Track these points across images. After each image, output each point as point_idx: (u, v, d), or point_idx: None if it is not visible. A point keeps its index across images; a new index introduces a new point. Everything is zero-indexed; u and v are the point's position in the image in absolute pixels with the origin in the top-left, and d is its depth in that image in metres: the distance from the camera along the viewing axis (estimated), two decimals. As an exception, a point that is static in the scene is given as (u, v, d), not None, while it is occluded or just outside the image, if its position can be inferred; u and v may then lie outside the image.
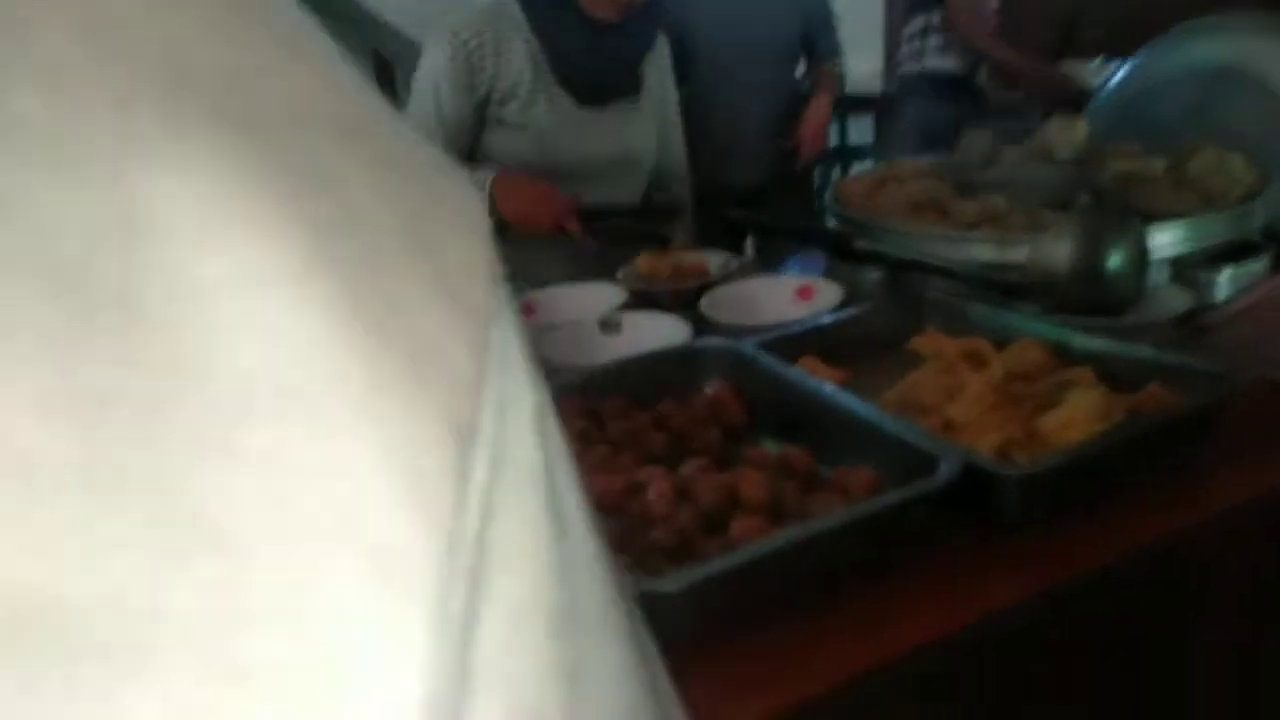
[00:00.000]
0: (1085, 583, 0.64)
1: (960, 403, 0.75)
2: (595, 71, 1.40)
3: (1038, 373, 0.82)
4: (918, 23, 2.82)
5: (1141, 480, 0.71)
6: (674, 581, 0.57)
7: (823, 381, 0.85)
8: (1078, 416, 0.69)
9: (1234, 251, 1.06)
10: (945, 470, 0.65)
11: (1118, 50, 1.56)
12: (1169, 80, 1.39)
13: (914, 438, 0.69)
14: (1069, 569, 0.64)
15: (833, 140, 4.93)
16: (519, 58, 1.37)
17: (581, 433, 0.83)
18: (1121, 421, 0.69)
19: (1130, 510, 0.68)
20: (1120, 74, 1.48)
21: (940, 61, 2.79)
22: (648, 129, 1.51)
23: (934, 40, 2.79)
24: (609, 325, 1.02)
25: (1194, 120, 1.30)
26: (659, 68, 1.53)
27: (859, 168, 5.10)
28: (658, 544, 0.67)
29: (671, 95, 1.60)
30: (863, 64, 5.26)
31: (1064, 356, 0.85)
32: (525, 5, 1.38)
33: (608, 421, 0.85)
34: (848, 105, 4.75)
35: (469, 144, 1.43)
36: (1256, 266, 1.05)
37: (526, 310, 1.17)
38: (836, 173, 4.99)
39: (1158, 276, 0.99)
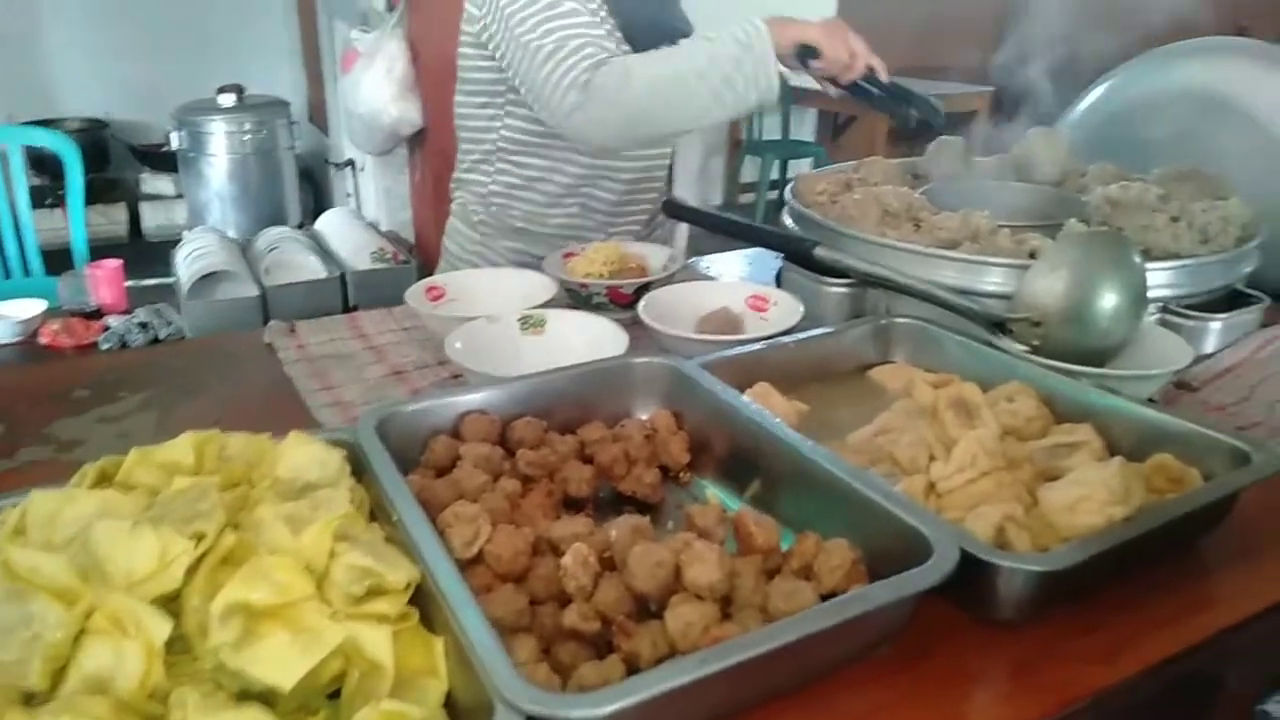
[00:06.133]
0: (1089, 702, 0.52)
1: (949, 465, 0.62)
2: None
3: (1031, 429, 0.70)
4: None
5: (1149, 576, 0.60)
6: (598, 703, 0.42)
7: (778, 419, 0.71)
8: (1094, 496, 0.56)
9: (1225, 300, 0.96)
10: (939, 559, 0.52)
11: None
12: (1150, 102, 1.30)
13: (900, 509, 0.56)
14: (1072, 689, 0.52)
15: (775, 133, 4.84)
16: None
17: (484, 460, 0.67)
18: (1145, 508, 0.57)
19: (1137, 616, 0.57)
20: (1097, 91, 1.38)
21: None
22: None
23: None
24: (531, 324, 0.86)
25: (1177, 146, 1.21)
26: None
27: (795, 165, 5.02)
28: (572, 629, 0.52)
29: None
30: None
31: (1056, 409, 0.74)
32: None
33: (518, 449, 0.70)
34: (790, 98, 4.65)
35: None
36: (1248, 318, 0.95)
37: (432, 293, 1.00)
38: (775, 168, 4.91)
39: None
